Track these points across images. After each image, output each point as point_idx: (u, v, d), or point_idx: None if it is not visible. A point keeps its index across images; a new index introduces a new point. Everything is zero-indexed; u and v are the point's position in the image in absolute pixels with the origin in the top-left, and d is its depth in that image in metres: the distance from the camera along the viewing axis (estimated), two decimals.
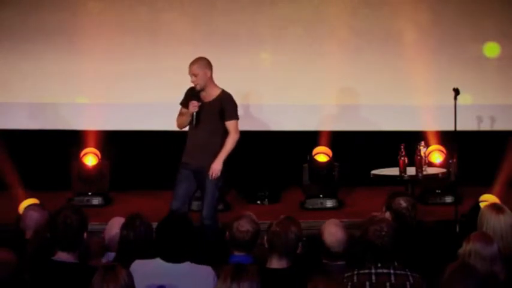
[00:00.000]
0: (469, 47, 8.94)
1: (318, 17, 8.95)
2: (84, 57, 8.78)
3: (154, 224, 5.26)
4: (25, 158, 8.75)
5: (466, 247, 4.42)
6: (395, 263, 4.30)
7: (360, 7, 8.96)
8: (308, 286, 3.97)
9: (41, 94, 8.87)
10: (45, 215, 5.70)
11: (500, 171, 8.32)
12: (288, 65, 8.87)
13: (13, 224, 6.32)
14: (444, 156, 8.38)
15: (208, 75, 6.82)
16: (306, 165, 8.47)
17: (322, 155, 8.52)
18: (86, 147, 8.61)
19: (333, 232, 5.01)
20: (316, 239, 5.11)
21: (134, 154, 8.98)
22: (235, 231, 4.80)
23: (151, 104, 8.75)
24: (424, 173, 7.34)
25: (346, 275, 4.31)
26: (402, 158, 7.24)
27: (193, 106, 6.76)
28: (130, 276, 4.00)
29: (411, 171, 7.31)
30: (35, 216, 5.64)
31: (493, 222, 4.84)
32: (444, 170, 7.71)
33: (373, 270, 4.29)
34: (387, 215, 5.28)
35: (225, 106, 6.83)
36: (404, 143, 7.27)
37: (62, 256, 4.50)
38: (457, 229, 7.01)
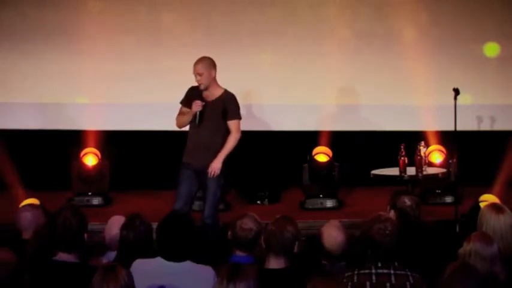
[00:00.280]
0: (469, 47, 8.94)
1: (318, 17, 8.95)
2: (84, 57, 8.78)
3: (154, 224, 5.26)
4: (25, 158, 8.75)
5: (466, 247, 4.42)
6: (396, 263, 4.30)
7: (360, 7, 8.96)
8: (307, 286, 3.97)
9: (41, 94, 8.87)
10: (39, 215, 5.70)
11: (500, 171, 8.32)
12: (288, 65, 8.87)
13: (13, 224, 6.32)
14: (444, 156, 8.38)
15: (213, 75, 6.84)
16: (306, 165, 8.47)
17: (322, 155, 8.52)
18: (86, 147, 8.62)
19: (333, 235, 4.99)
20: (315, 239, 5.10)
21: (134, 154, 8.98)
22: (239, 229, 4.80)
23: (151, 104, 8.75)
24: (424, 173, 7.34)
25: (346, 274, 4.31)
26: (402, 158, 7.24)
27: (197, 105, 6.77)
28: (130, 276, 4.00)
29: (411, 171, 7.31)
30: (29, 217, 5.64)
31: (493, 222, 4.84)
32: (444, 170, 7.71)
33: (373, 271, 4.29)
34: (391, 213, 5.28)
35: (228, 106, 6.85)
36: (404, 143, 7.27)
37: (63, 256, 4.51)
38: (457, 229, 7.01)
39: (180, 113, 7.00)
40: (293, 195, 8.65)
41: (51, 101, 8.88)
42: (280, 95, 8.90)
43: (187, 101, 6.94)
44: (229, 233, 4.93)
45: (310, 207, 8.27)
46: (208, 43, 8.61)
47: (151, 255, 4.61)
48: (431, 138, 8.57)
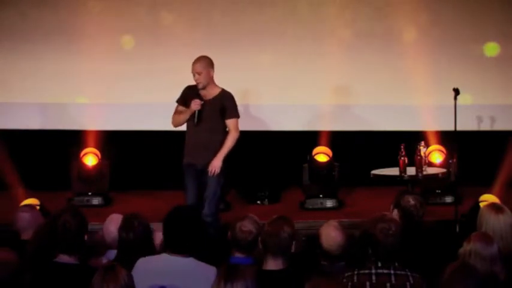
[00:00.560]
0: (469, 47, 8.94)
1: (318, 17, 8.94)
2: (84, 57, 8.79)
3: (155, 224, 5.28)
4: (25, 158, 8.75)
5: (467, 247, 4.42)
6: (396, 263, 4.30)
7: (360, 7, 8.96)
8: (306, 287, 3.97)
9: (40, 94, 8.87)
10: (37, 215, 5.72)
11: (500, 171, 8.32)
12: (288, 65, 8.87)
13: (12, 224, 6.32)
14: (444, 156, 8.38)
15: (211, 74, 6.87)
16: (306, 165, 8.47)
17: (322, 155, 8.52)
18: (86, 147, 8.62)
19: (332, 235, 4.98)
20: (315, 239, 5.10)
21: (134, 154, 8.98)
22: (238, 231, 4.80)
23: (151, 104, 8.74)
24: (424, 173, 7.34)
25: (346, 274, 4.31)
26: (402, 158, 7.24)
27: (196, 104, 6.79)
28: (130, 276, 4.01)
29: (411, 171, 7.31)
30: (27, 217, 5.65)
31: (493, 222, 4.85)
32: (444, 170, 7.71)
33: (373, 271, 4.28)
34: (395, 212, 5.28)
35: (226, 104, 6.88)
36: (404, 143, 7.27)
37: (63, 258, 4.52)
38: (457, 229, 7.01)
39: (176, 112, 7.02)
40: (293, 195, 8.65)
41: (51, 101, 8.88)
42: (280, 95, 8.90)
43: (183, 100, 6.96)
44: (228, 234, 4.93)
45: (310, 207, 8.27)
46: (208, 43, 8.61)
47: (151, 255, 4.61)
48: (431, 138, 8.57)
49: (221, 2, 8.96)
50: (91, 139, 8.71)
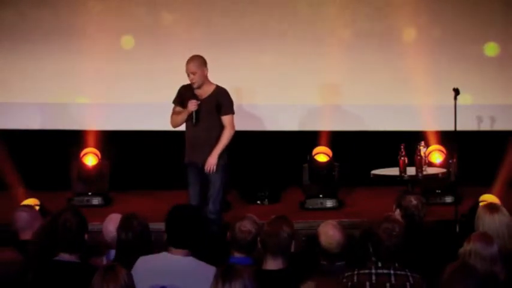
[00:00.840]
0: (469, 47, 8.94)
1: (318, 17, 8.94)
2: (84, 57, 8.79)
3: (154, 224, 5.28)
4: (25, 158, 8.75)
5: (467, 247, 4.42)
6: (396, 264, 4.30)
7: (360, 7, 8.96)
8: (304, 286, 3.97)
9: (40, 94, 8.87)
10: (35, 215, 5.74)
11: (500, 171, 8.31)
12: (288, 65, 8.86)
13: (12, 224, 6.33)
14: (444, 156, 8.38)
15: (206, 72, 6.89)
16: (306, 165, 8.47)
17: (322, 155, 8.51)
18: (86, 147, 8.62)
19: (330, 234, 4.98)
20: (315, 239, 5.10)
21: (134, 154, 8.98)
22: (237, 231, 4.81)
23: (151, 104, 8.74)
24: (424, 173, 7.34)
25: (346, 274, 4.31)
26: (402, 158, 7.24)
27: (193, 105, 6.81)
28: (130, 276, 4.01)
29: (411, 171, 7.31)
30: (25, 217, 5.66)
31: (488, 223, 4.86)
32: (444, 170, 7.71)
33: (373, 271, 4.29)
34: (397, 212, 5.28)
35: (221, 101, 6.91)
36: (404, 143, 7.27)
37: (64, 256, 4.53)
38: (457, 229, 7.01)
39: (174, 113, 7.04)
40: (293, 195, 8.65)
41: (51, 101, 8.88)
42: (280, 95, 8.90)
43: (180, 100, 6.98)
44: (228, 234, 4.93)
45: (310, 207, 8.26)
46: (208, 43, 8.61)
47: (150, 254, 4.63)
48: (431, 138, 8.56)
49: (221, 2, 8.96)
50: (91, 139, 8.71)
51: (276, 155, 8.90)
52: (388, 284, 4.23)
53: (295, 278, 4.24)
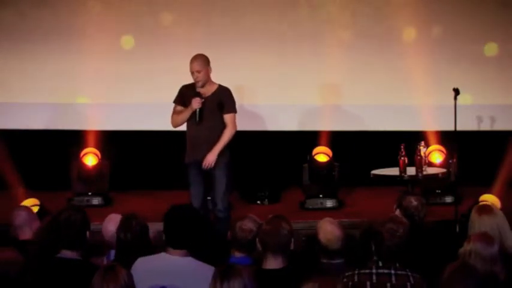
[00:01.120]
0: (469, 47, 8.94)
1: (318, 17, 8.94)
2: (84, 57, 8.78)
3: (154, 224, 5.28)
4: (25, 158, 8.75)
5: (467, 247, 4.43)
6: (397, 264, 4.30)
7: (360, 7, 8.96)
8: (305, 286, 3.96)
9: (41, 94, 8.87)
10: (33, 214, 5.76)
11: (500, 171, 8.31)
12: (288, 65, 8.86)
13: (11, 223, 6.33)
14: (444, 156, 8.38)
15: (210, 72, 6.89)
16: (306, 165, 8.47)
17: (322, 155, 8.52)
18: (86, 147, 8.62)
19: (328, 230, 5.01)
20: (314, 237, 5.11)
21: (134, 154, 8.98)
22: (238, 230, 4.81)
23: (151, 104, 8.74)
24: (424, 173, 7.34)
25: (346, 274, 4.31)
26: (402, 158, 7.24)
27: (197, 103, 6.82)
28: (130, 276, 4.01)
29: (411, 171, 7.31)
30: (23, 215, 5.68)
31: (478, 225, 4.90)
32: (444, 170, 7.71)
33: (374, 270, 4.29)
34: (397, 212, 5.29)
35: (224, 100, 6.92)
36: (404, 143, 7.27)
37: (66, 253, 4.53)
38: (457, 229, 7.00)
39: (175, 112, 7.03)
40: (293, 195, 8.65)
41: (51, 101, 8.88)
42: (280, 94, 8.90)
43: (181, 100, 6.98)
44: (228, 234, 4.94)
45: (310, 207, 8.27)
46: (208, 43, 8.60)
47: (149, 255, 4.62)
48: (431, 138, 8.57)
49: (221, 2, 8.96)
50: (91, 139, 8.71)
51: (276, 155, 8.90)
52: (388, 284, 4.23)
53: (296, 277, 4.24)
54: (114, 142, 8.77)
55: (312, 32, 8.91)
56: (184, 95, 6.98)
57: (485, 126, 8.84)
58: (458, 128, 7.43)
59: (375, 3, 8.97)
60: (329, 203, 8.31)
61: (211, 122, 6.89)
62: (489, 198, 7.51)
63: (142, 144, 8.96)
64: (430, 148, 8.36)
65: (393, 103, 8.92)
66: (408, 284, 4.23)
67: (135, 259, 4.55)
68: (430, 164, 7.96)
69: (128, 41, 8.93)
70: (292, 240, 4.57)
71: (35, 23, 8.86)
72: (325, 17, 8.96)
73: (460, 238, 4.72)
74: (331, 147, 8.56)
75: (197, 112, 6.85)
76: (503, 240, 4.81)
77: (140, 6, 8.94)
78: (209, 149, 6.88)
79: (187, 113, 6.91)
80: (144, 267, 4.45)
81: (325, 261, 4.96)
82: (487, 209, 5.02)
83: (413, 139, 7.54)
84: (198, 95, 6.85)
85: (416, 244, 4.94)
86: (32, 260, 4.68)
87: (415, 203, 5.34)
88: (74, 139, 8.66)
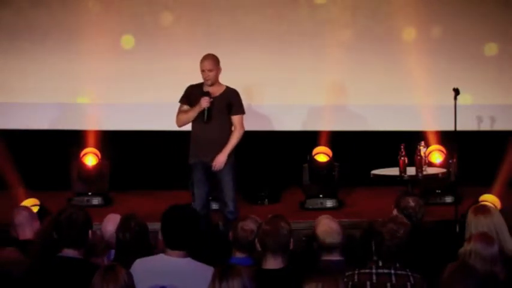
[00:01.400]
0: (469, 47, 8.94)
1: (318, 17, 8.95)
2: (84, 57, 8.78)
3: (154, 224, 5.28)
4: (25, 158, 8.75)
5: (467, 247, 4.43)
6: (397, 264, 4.30)
7: (360, 7, 8.96)
8: (305, 285, 3.97)
9: (41, 94, 8.87)
10: (34, 214, 5.76)
11: (500, 171, 8.31)
12: (288, 65, 8.86)
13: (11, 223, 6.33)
14: (444, 156, 8.38)
15: (220, 72, 6.90)
16: (306, 165, 8.47)
17: (322, 155, 8.52)
18: (86, 147, 8.61)
19: (325, 223, 5.02)
20: (313, 234, 5.11)
21: (134, 154, 8.98)
22: (240, 230, 4.82)
23: (151, 104, 8.75)
24: (424, 173, 7.34)
25: (346, 274, 4.31)
26: (402, 158, 7.24)
27: (206, 101, 6.82)
28: (130, 276, 4.01)
29: (411, 171, 7.31)
30: (24, 214, 5.69)
31: (475, 225, 4.90)
32: (444, 170, 7.71)
33: (374, 270, 4.29)
34: (395, 212, 5.29)
35: (233, 101, 6.94)
36: (404, 143, 7.27)
37: (68, 252, 4.52)
38: (457, 229, 7.00)
39: (181, 112, 7.01)
40: (293, 195, 8.65)
41: (51, 101, 8.88)
42: (280, 95, 8.90)
43: (188, 99, 6.97)
44: (230, 234, 4.94)
45: (310, 207, 8.26)
46: (208, 43, 8.60)
47: (148, 255, 4.62)
48: (431, 138, 8.56)
49: (221, 2, 8.96)
50: (91, 139, 8.71)
51: (276, 155, 8.90)
52: (388, 284, 4.24)
53: (296, 277, 4.24)
54: (114, 142, 8.77)
55: (312, 32, 8.91)
56: (191, 95, 6.98)
57: (485, 126, 8.84)
58: (458, 128, 7.43)
59: (375, 3, 8.97)
60: (329, 203, 8.31)
61: (219, 122, 6.90)
62: (489, 198, 7.51)
63: (142, 144, 8.96)
64: (430, 148, 8.36)
65: (393, 103, 8.92)
66: (408, 284, 4.23)
67: (135, 259, 4.55)
68: (430, 164, 7.96)
69: (128, 41, 8.93)
70: (292, 240, 4.57)
71: (35, 23, 8.86)
72: (325, 17, 8.96)
73: (460, 238, 4.72)
74: (331, 147, 8.56)
75: (205, 111, 6.85)
76: (501, 241, 4.80)
77: (140, 6, 8.94)
78: (216, 149, 6.88)
79: (194, 112, 6.90)
80: (143, 267, 4.44)
81: (325, 259, 4.95)
82: (483, 210, 5.02)
83: (413, 139, 7.54)
84: (207, 94, 6.85)
85: (415, 244, 4.95)
86: (34, 260, 4.68)
87: (412, 203, 5.34)
88: (74, 139, 8.66)
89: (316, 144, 8.59)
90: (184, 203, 5.84)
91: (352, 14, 8.98)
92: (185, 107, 6.99)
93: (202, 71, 6.89)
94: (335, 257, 4.95)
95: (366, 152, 8.66)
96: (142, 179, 8.93)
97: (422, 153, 7.31)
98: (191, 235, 4.50)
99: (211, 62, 6.89)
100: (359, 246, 4.72)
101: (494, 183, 8.13)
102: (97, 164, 8.50)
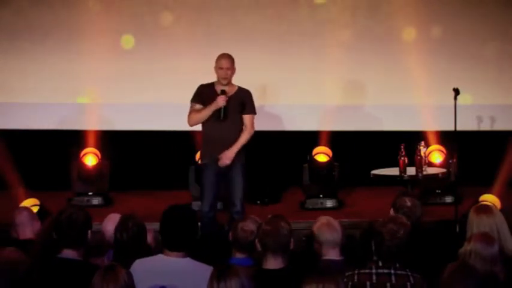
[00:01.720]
0: (469, 47, 8.94)
1: (318, 17, 8.95)
2: (84, 57, 8.78)
3: (155, 224, 5.27)
4: (25, 158, 8.75)
5: (467, 247, 4.43)
6: (397, 264, 4.30)
7: (360, 7, 8.97)
8: (305, 285, 3.97)
9: (41, 94, 8.87)
10: (34, 215, 5.76)
11: (500, 171, 8.31)
12: (288, 65, 8.86)
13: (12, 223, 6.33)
14: (444, 156, 8.38)
15: (235, 71, 6.97)
16: (306, 165, 8.47)
17: (322, 155, 8.51)
18: (86, 147, 8.61)
19: (321, 220, 5.03)
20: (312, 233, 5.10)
21: (134, 154, 8.98)
22: (240, 231, 4.82)
23: (151, 104, 8.74)
24: (424, 173, 7.34)
25: (346, 274, 4.31)
26: (402, 158, 7.24)
27: (223, 100, 6.83)
28: (130, 276, 4.01)
29: (411, 171, 7.31)
30: (25, 214, 5.70)
31: (477, 224, 4.89)
32: (444, 170, 7.71)
33: (373, 270, 4.29)
34: (391, 212, 5.29)
35: (246, 100, 6.98)
36: (404, 143, 7.27)
37: (67, 253, 4.52)
38: (457, 229, 7.00)
39: (194, 110, 6.97)
40: (293, 195, 8.65)
41: (51, 101, 8.88)
42: (280, 95, 8.90)
43: (201, 99, 6.94)
44: (230, 234, 4.93)
45: (310, 207, 8.26)
46: (208, 43, 8.61)
47: (146, 256, 4.61)
48: (431, 138, 8.57)
49: (221, 2, 8.96)
50: (91, 139, 8.70)
51: (276, 155, 8.90)
52: (388, 284, 4.23)
53: (296, 277, 4.24)
54: (114, 142, 8.77)
55: (312, 32, 8.91)
56: (203, 94, 6.97)
57: (485, 126, 8.85)
58: (458, 128, 7.43)
59: (375, 3, 8.97)
60: (329, 203, 8.31)
61: (234, 121, 6.92)
62: (489, 198, 7.51)
63: (142, 144, 8.96)
64: (430, 148, 8.36)
65: (393, 103, 8.92)
66: (408, 284, 4.23)
67: (133, 259, 4.54)
68: (430, 164, 7.96)
69: (128, 41, 8.92)
70: (292, 240, 4.57)
71: (35, 23, 8.86)
72: (325, 17, 8.96)
73: (460, 238, 4.72)
74: (331, 147, 8.56)
75: (222, 110, 6.85)
76: (501, 240, 4.80)
77: (140, 6, 8.94)
78: (229, 148, 6.88)
79: (209, 110, 6.88)
80: (143, 268, 4.44)
81: (325, 259, 4.94)
82: (486, 209, 5.02)
83: (413, 139, 7.54)
84: (223, 92, 6.85)
85: (415, 244, 4.95)
86: (35, 260, 4.68)
87: (408, 203, 5.33)
88: (74, 139, 8.66)
89: (316, 144, 8.59)
90: (183, 203, 5.86)
91: (352, 14, 8.98)
92: (198, 106, 6.97)
93: (221, 68, 6.89)
94: (335, 256, 4.94)
95: (366, 152, 8.66)
96: (142, 179, 8.93)
97: (422, 153, 7.31)
98: (190, 235, 4.50)
99: (230, 60, 6.93)
100: (359, 246, 4.71)
101: (494, 183, 8.13)
102: (97, 164, 8.50)
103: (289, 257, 4.54)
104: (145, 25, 8.91)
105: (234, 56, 6.95)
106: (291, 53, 8.88)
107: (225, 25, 8.90)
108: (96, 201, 8.41)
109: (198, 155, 8.21)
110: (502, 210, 6.29)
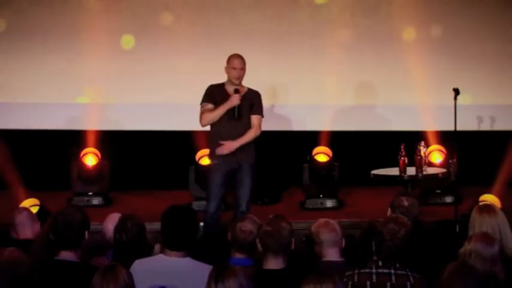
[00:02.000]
0: (469, 47, 8.94)
1: (318, 17, 8.95)
2: (84, 57, 8.78)
3: (155, 224, 5.27)
4: (25, 158, 8.75)
5: (467, 247, 4.43)
6: (397, 264, 4.30)
7: (360, 7, 8.96)
8: (305, 286, 3.96)
9: (41, 94, 8.87)
10: (34, 215, 5.77)
11: (500, 171, 8.31)
12: (288, 65, 8.86)
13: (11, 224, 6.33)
14: (444, 156, 8.38)
15: (245, 72, 6.96)
16: (306, 165, 8.47)
17: (322, 155, 8.51)
18: (86, 147, 8.61)
19: (320, 221, 5.05)
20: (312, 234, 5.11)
21: (134, 154, 8.98)
22: (238, 231, 4.81)
23: (151, 104, 8.74)
24: (424, 173, 7.33)
25: (346, 273, 4.31)
26: (402, 158, 7.24)
27: (237, 98, 6.85)
28: (130, 276, 4.00)
29: (411, 171, 7.31)
30: (25, 214, 5.70)
31: (479, 224, 4.89)
32: (444, 170, 7.71)
33: (373, 270, 4.29)
34: (389, 211, 5.30)
35: (255, 101, 7.00)
36: (404, 143, 7.27)
37: (65, 255, 4.51)
38: (457, 229, 7.01)
39: (207, 110, 6.95)
40: (293, 195, 8.65)
41: (51, 101, 8.88)
42: (280, 95, 8.90)
43: (212, 98, 6.94)
44: (228, 235, 4.93)
45: (310, 207, 8.26)
46: (208, 43, 8.61)
47: (146, 256, 4.61)
48: (431, 138, 8.57)
49: (221, 2, 8.96)
50: (91, 139, 8.70)
51: (276, 155, 8.90)
52: (388, 284, 4.24)
53: (296, 277, 4.24)
54: (114, 142, 8.77)
55: (312, 32, 8.91)
56: (215, 94, 6.97)
57: (485, 126, 8.85)
58: (458, 128, 7.43)
59: (375, 3, 8.97)
60: (329, 203, 8.31)
61: (246, 121, 6.94)
62: (489, 198, 7.51)
63: (142, 144, 8.95)
64: (430, 148, 8.36)
65: (393, 103, 8.92)
66: (408, 283, 4.23)
67: (133, 259, 4.54)
68: (430, 164, 7.96)
69: (128, 41, 8.92)
70: (293, 240, 4.57)
71: (35, 23, 8.86)
72: (325, 17, 8.96)
73: (460, 238, 4.71)
74: (331, 147, 8.56)
75: (236, 109, 6.85)
76: (503, 240, 4.81)
77: (140, 6, 8.93)
78: (243, 146, 6.90)
79: (223, 109, 6.88)
80: (143, 267, 4.44)
81: (325, 260, 4.94)
82: (488, 209, 5.02)
83: (413, 139, 7.54)
84: (237, 91, 6.86)
85: (415, 244, 4.95)
86: (35, 260, 4.68)
87: (405, 203, 5.33)
88: (74, 139, 8.66)
89: (316, 144, 8.59)
90: (184, 203, 5.86)
91: (352, 14, 8.98)
92: (210, 105, 6.95)
93: (234, 68, 6.90)
94: (335, 257, 4.94)
95: (366, 152, 8.66)
96: (142, 179, 8.93)
97: (422, 153, 7.31)
98: (190, 235, 4.50)
99: (243, 61, 6.96)
100: (359, 246, 4.71)
101: (494, 183, 8.13)
102: (97, 164, 8.50)
103: (289, 257, 4.54)
104: (146, 25, 8.91)
105: None
106: (291, 53, 8.88)
107: (225, 25, 8.90)
108: (96, 201, 8.41)
109: (198, 155, 8.22)
110: (502, 210, 6.29)
